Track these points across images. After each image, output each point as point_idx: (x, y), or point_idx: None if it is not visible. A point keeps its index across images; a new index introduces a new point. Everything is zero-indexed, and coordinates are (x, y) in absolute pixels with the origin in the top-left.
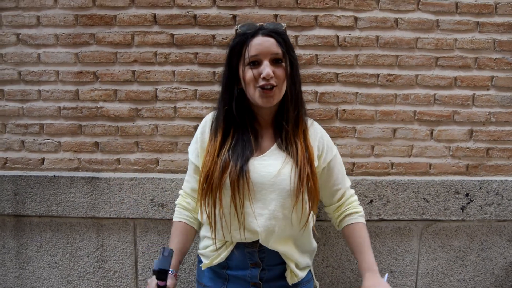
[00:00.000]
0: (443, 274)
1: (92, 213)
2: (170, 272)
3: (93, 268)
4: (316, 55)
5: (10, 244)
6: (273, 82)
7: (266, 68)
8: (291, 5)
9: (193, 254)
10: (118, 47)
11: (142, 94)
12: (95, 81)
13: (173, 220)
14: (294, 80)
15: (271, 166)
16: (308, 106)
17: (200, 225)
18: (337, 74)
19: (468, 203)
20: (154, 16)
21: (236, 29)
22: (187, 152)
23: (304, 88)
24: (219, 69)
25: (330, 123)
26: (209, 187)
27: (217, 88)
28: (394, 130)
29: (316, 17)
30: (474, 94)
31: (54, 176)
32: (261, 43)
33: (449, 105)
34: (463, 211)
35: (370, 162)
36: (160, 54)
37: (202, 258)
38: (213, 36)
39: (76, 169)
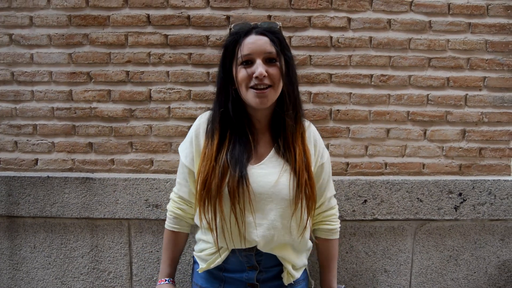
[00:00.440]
0: (437, 273)
1: (86, 214)
2: (166, 281)
3: (88, 268)
4: (310, 56)
5: (4, 245)
6: (266, 82)
7: (259, 68)
8: (284, 5)
9: (187, 255)
10: (111, 47)
11: (136, 94)
12: (88, 81)
13: (166, 227)
14: (290, 80)
15: (269, 175)
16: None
17: (193, 227)
18: (330, 75)
19: (461, 202)
20: (148, 16)
21: (230, 28)
22: None
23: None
24: (213, 70)
25: (324, 124)
26: (208, 194)
27: (211, 88)
28: (388, 130)
29: (309, 18)
30: (467, 94)
31: (48, 176)
32: (254, 42)
33: (442, 106)
34: (456, 211)
35: (364, 162)
36: (154, 55)
37: (198, 261)
38: (207, 37)
39: (70, 169)
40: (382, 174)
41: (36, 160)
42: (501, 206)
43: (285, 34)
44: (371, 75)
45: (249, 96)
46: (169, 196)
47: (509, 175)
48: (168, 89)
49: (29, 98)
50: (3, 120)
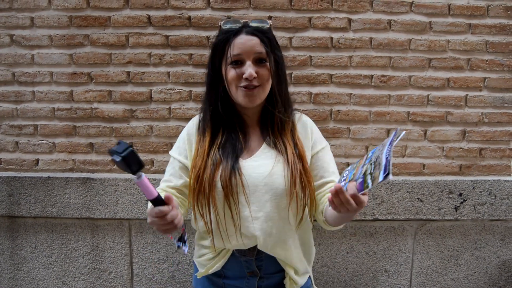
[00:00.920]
0: (437, 273)
1: (87, 214)
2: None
3: (88, 268)
4: (310, 57)
5: (5, 245)
6: (255, 82)
7: (249, 69)
8: (285, 6)
9: (188, 255)
10: (112, 48)
11: (136, 95)
12: (89, 82)
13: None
14: (279, 79)
15: (262, 166)
16: (303, 107)
17: (186, 213)
18: (331, 75)
19: (462, 202)
20: (149, 17)
21: (220, 25)
22: None
23: (298, 89)
24: None
25: (325, 124)
26: (200, 187)
27: None
28: (388, 131)
29: (310, 19)
30: (467, 95)
31: (49, 177)
32: (244, 42)
33: (442, 106)
34: (456, 211)
35: None
36: (155, 55)
37: (198, 266)
38: (208, 38)
39: (71, 170)
40: None
41: (37, 160)
42: (501, 206)
43: (286, 35)
44: (372, 76)
45: (239, 95)
46: None
47: (509, 175)
48: (169, 89)
49: (30, 99)
50: (4, 120)
